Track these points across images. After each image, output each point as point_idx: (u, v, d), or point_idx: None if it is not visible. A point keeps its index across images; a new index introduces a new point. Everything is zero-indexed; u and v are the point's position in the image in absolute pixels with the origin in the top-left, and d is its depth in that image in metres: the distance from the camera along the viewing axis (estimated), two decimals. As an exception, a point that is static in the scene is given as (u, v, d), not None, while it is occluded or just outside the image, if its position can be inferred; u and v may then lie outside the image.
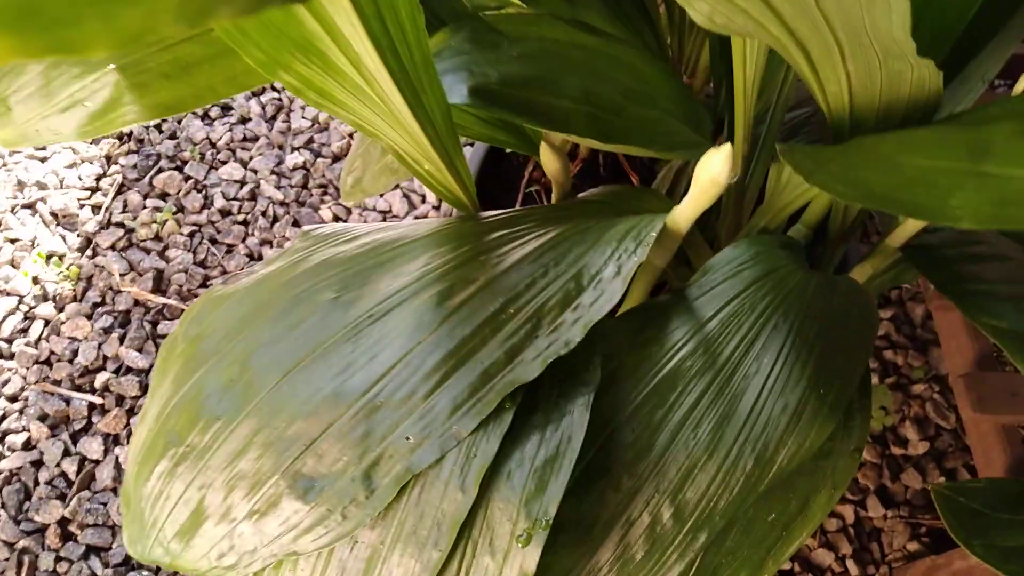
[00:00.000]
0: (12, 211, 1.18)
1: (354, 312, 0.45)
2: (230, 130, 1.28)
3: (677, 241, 0.51)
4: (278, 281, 0.48)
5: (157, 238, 1.17)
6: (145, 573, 0.93)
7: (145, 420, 0.49)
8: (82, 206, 1.20)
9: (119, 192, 1.21)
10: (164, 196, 1.21)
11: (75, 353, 1.07)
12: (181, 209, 1.20)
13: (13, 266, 1.14)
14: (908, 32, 0.32)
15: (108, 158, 1.25)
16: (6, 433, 1.01)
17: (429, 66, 0.40)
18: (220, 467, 0.44)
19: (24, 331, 1.09)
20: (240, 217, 1.20)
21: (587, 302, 0.44)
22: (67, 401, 1.03)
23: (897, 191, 0.25)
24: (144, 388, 1.03)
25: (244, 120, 1.30)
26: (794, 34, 0.37)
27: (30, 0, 0.14)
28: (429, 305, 0.44)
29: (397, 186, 1.23)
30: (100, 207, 1.20)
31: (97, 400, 1.03)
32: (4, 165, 1.23)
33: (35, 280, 1.13)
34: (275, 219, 1.20)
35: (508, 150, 0.84)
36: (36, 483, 0.98)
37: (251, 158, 1.25)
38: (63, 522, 0.95)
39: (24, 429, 1.01)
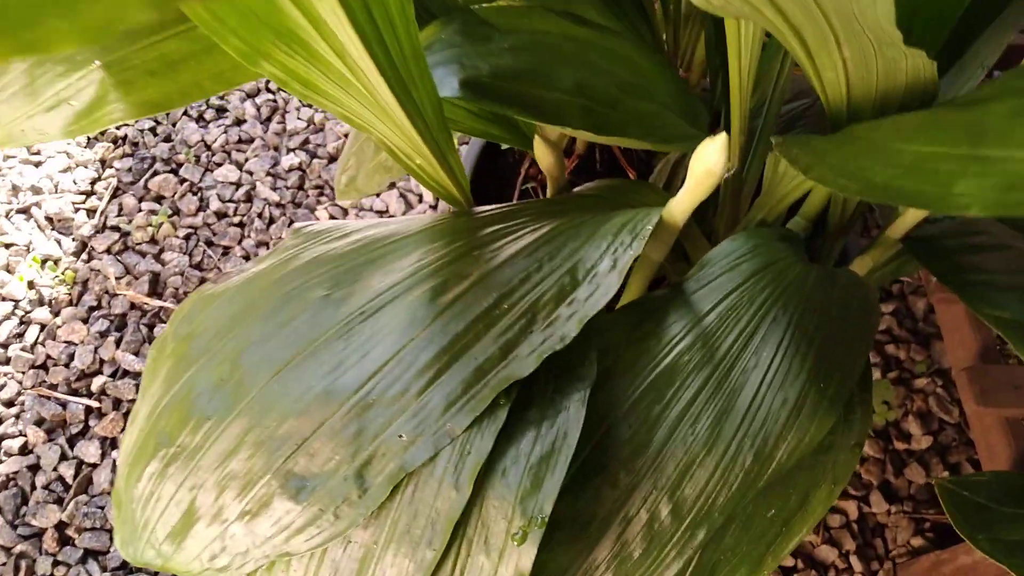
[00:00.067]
0: (7, 216, 1.18)
1: (346, 309, 0.44)
2: (225, 132, 1.27)
3: (674, 234, 0.50)
4: (269, 279, 0.47)
5: (153, 241, 1.17)
6: (143, 577, 0.93)
7: (136, 421, 0.49)
8: (77, 210, 1.19)
9: (114, 196, 1.21)
10: (159, 199, 1.21)
11: (71, 357, 1.06)
12: (176, 212, 1.20)
13: (8, 271, 1.13)
14: (893, 21, 0.32)
15: (103, 162, 1.24)
16: (2, 438, 1.00)
17: (419, 58, 0.39)
18: (211, 467, 0.43)
19: (20, 336, 1.08)
20: (236, 219, 1.19)
21: (582, 297, 0.43)
22: (64, 405, 1.03)
23: (898, 181, 0.24)
24: (141, 391, 1.02)
25: (239, 122, 1.29)
26: (788, 18, 0.36)
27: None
28: (422, 301, 0.44)
29: (393, 185, 1.22)
30: (95, 211, 1.19)
31: (94, 404, 1.03)
32: (-1, 169, 1.23)
33: (31, 285, 1.12)
34: (271, 220, 1.19)
35: (504, 146, 0.83)
36: (33, 487, 0.97)
37: (246, 160, 1.25)
38: (60, 526, 0.95)
39: (21, 434, 1.00)
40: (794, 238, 0.55)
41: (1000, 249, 0.54)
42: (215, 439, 0.43)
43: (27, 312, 1.10)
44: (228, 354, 0.45)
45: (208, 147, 1.26)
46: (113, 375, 1.05)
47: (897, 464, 1.01)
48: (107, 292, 1.12)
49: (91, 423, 1.02)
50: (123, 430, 1.01)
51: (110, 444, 1.01)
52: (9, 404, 1.03)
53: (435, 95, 0.42)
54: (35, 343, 1.07)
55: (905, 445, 1.02)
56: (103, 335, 1.08)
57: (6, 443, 0.99)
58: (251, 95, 1.32)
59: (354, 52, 0.35)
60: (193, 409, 0.44)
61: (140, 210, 1.19)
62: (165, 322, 1.10)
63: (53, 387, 1.04)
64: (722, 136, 0.40)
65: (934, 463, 1.01)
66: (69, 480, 0.98)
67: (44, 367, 1.06)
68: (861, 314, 0.50)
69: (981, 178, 0.22)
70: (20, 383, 1.04)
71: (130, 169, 1.23)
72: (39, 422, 1.01)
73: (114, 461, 0.99)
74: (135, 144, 1.26)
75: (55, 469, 0.98)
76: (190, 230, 1.18)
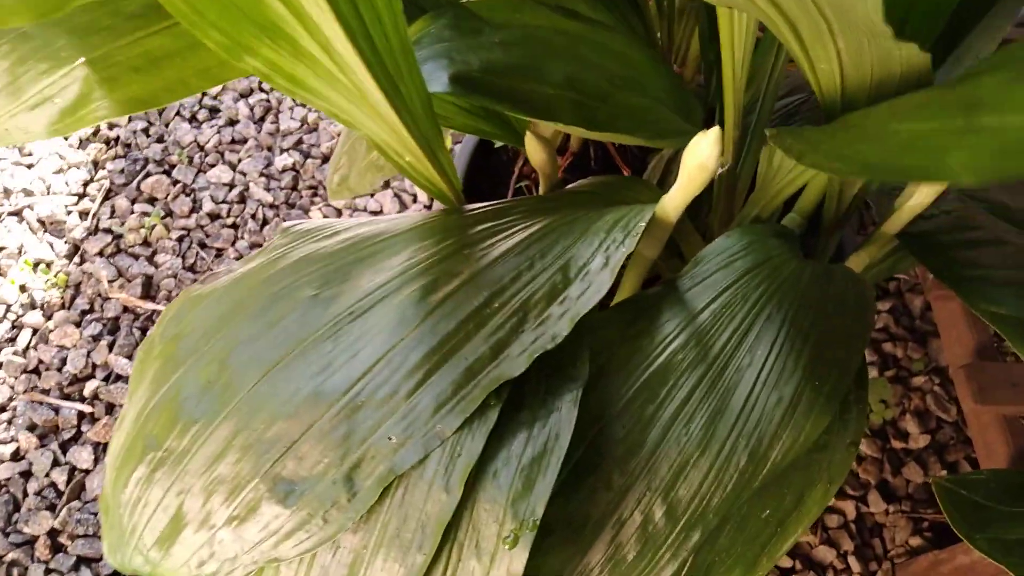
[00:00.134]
0: (-1, 218, 1.17)
1: (334, 309, 0.43)
2: (218, 132, 1.26)
3: (667, 231, 0.50)
4: (257, 279, 0.46)
5: (145, 243, 1.16)
6: (136, 582, 0.92)
7: (123, 424, 0.48)
8: (69, 212, 1.18)
9: (107, 198, 1.20)
10: (152, 201, 1.20)
11: (64, 361, 1.06)
12: (169, 213, 1.19)
13: (0, 274, 1.12)
14: (881, 16, 0.31)
15: (95, 163, 1.23)
16: (-6, 443, 0.99)
17: (407, 52, 0.39)
18: (199, 472, 0.42)
19: (12, 340, 1.07)
20: (229, 220, 1.19)
21: (574, 295, 0.43)
22: (56, 410, 1.02)
23: (892, 157, 0.24)
24: (133, 395, 1.01)
25: (232, 122, 1.28)
26: (782, 9, 0.35)
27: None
28: (411, 300, 0.43)
29: (388, 186, 1.22)
30: (87, 213, 1.18)
31: (87, 409, 1.02)
32: (-10, 172, 1.22)
33: (22, 288, 1.11)
34: (265, 222, 1.19)
35: (497, 144, 0.83)
36: (25, 494, 0.96)
37: (240, 160, 1.24)
38: (53, 533, 0.94)
39: (12, 440, 1.00)
40: (789, 235, 0.54)
41: (997, 244, 0.53)
42: (203, 443, 0.42)
43: (19, 316, 1.09)
44: (216, 355, 0.44)
45: (201, 148, 1.25)
46: (106, 379, 1.05)
47: (895, 463, 1.01)
48: (100, 295, 1.11)
49: (84, 428, 1.01)
50: (116, 434, 1.00)
51: (103, 449, 1.00)
52: (1, 410, 1.02)
53: (424, 90, 0.42)
54: (27, 347, 1.07)
55: (903, 444, 1.02)
56: (96, 339, 1.07)
57: (-2, 448, 0.99)
58: (244, 95, 1.31)
59: (339, 46, 0.34)
60: (180, 412, 0.44)
61: (133, 212, 1.18)
62: (158, 325, 1.09)
63: (45, 392, 1.03)
64: (715, 130, 0.39)
65: (932, 462, 1.01)
66: (62, 486, 0.97)
67: (36, 372, 1.05)
68: (857, 311, 0.49)
69: (975, 147, 0.22)
70: (12, 388, 1.03)
71: (123, 171, 1.22)
72: (31, 427, 1.00)
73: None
74: (128, 145, 1.25)
75: (47, 475, 0.97)
76: (183, 232, 1.17)
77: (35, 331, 1.08)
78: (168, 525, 0.43)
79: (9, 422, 1.01)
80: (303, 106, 1.30)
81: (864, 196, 0.59)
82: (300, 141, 1.26)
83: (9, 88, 0.45)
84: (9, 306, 1.10)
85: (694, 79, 0.80)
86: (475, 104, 0.53)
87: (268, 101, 1.30)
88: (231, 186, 1.22)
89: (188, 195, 1.21)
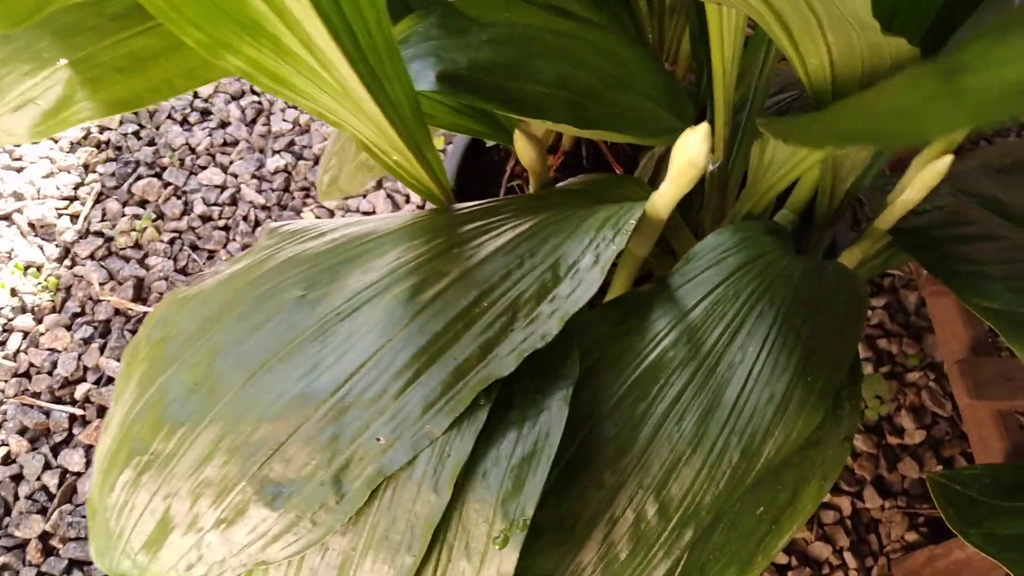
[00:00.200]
0: (-11, 222, 1.16)
1: (321, 310, 0.43)
2: (209, 135, 1.26)
3: (658, 228, 0.49)
4: (243, 280, 0.46)
5: (137, 246, 1.15)
6: (130, 587, 0.91)
7: (109, 427, 0.47)
8: (60, 216, 1.18)
9: (97, 201, 1.19)
10: (143, 203, 1.19)
11: (54, 365, 1.05)
12: (161, 216, 1.18)
13: (-10, 278, 1.12)
14: (869, 10, 0.31)
15: (86, 166, 1.23)
16: (-15, 448, 0.99)
17: (392, 50, 0.38)
18: (185, 475, 0.42)
19: (2, 344, 1.06)
20: (221, 222, 1.18)
21: (564, 293, 0.43)
22: (47, 413, 1.01)
23: (876, 124, 0.24)
24: (126, 398, 1.01)
25: (223, 124, 1.28)
26: (771, 4, 0.35)
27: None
28: (400, 300, 0.43)
29: (380, 186, 1.21)
30: (78, 216, 1.18)
31: (78, 412, 1.01)
32: (-20, 176, 1.21)
33: (13, 292, 1.10)
34: (257, 223, 1.18)
35: (489, 144, 0.82)
36: (16, 498, 0.96)
37: (231, 162, 1.23)
38: (44, 536, 0.93)
39: (3, 443, 0.99)
40: (781, 231, 0.54)
41: (990, 239, 0.53)
42: (189, 445, 0.42)
43: (9, 320, 1.08)
44: (202, 358, 0.44)
45: (192, 150, 1.25)
46: (97, 382, 1.04)
47: (890, 459, 1.00)
48: (91, 298, 1.10)
49: (75, 431, 1.00)
50: (108, 438, 1.00)
51: (95, 452, 0.99)
52: (-9, 413, 1.01)
53: (410, 88, 0.41)
54: (17, 351, 1.06)
55: (898, 440, 1.02)
56: (87, 342, 1.07)
57: (-11, 453, 0.98)
58: (236, 97, 1.31)
59: (322, 43, 0.34)
60: (166, 415, 0.43)
61: (124, 215, 1.18)
62: (150, 327, 1.08)
63: (36, 395, 1.02)
64: (703, 126, 0.39)
65: (927, 457, 1.00)
66: (53, 489, 0.96)
67: (27, 375, 1.04)
68: (849, 306, 0.49)
69: (954, 107, 0.22)
70: (2, 392, 1.03)
71: (113, 173, 1.22)
72: (22, 431, 1.00)
73: (99, 469, 0.98)
74: (118, 148, 1.25)
75: (39, 478, 0.97)
76: (175, 234, 1.17)
77: (25, 334, 1.07)
78: (155, 529, 0.42)
79: None
80: (295, 108, 1.30)
81: (856, 192, 0.59)
82: (292, 143, 1.26)
83: (-9, 89, 0.45)
84: None
85: (686, 77, 0.80)
86: (463, 103, 0.53)
87: (260, 103, 1.30)
88: (223, 188, 1.21)
89: (179, 197, 1.20)
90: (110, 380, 1.04)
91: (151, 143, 1.25)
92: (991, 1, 0.49)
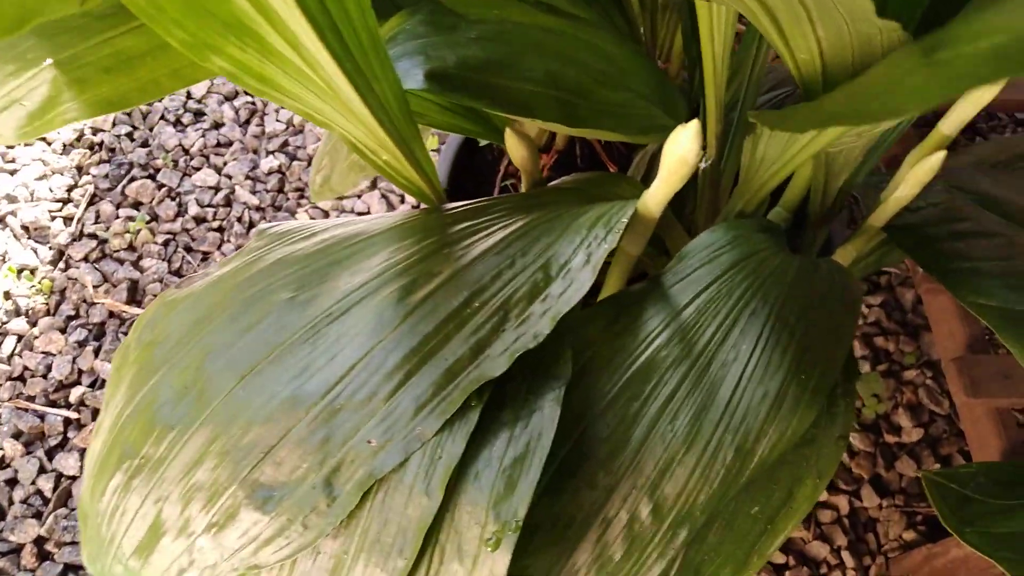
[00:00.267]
0: (-18, 225, 1.16)
1: (311, 311, 0.43)
2: (203, 136, 1.25)
3: (650, 227, 0.49)
4: (232, 282, 0.46)
5: (131, 248, 1.15)
6: (125, 591, 0.91)
7: (100, 432, 0.47)
8: (53, 218, 1.17)
9: (91, 203, 1.19)
10: (137, 205, 1.19)
11: (49, 368, 1.04)
12: (155, 218, 1.18)
13: (-16, 281, 1.11)
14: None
15: (79, 168, 1.22)
16: (-21, 452, 0.98)
17: (379, 48, 0.38)
18: (176, 479, 0.41)
19: (-4, 347, 1.06)
20: (215, 224, 1.17)
21: (556, 293, 0.42)
22: (42, 417, 1.01)
23: (860, 104, 0.24)
24: (120, 401, 1.00)
25: (217, 125, 1.27)
26: None
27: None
28: (390, 301, 0.42)
29: (375, 187, 1.21)
30: (72, 218, 1.17)
31: (72, 415, 1.01)
32: (-27, 179, 1.21)
33: (6, 295, 1.10)
34: (251, 224, 1.18)
35: (482, 143, 0.82)
36: (11, 502, 0.95)
37: (225, 163, 1.23)
38: (39, 541, 0.93)
39: (-2, 448, 0.99)
40: (775, 229, 0.54)
41: (985, 236, 0.53)
42: (179, 449, 0.42)
43: (3, 323, 1.08)
44: (191, 361, 0.43)
45: (186, 151, 1.24)
46: (92, 385, 1.04)
47: (888, 457, 1.00)
48: (85, 301, 1.10)
49: (70, 434, 1.00)
50: (103, 441, 0.99)
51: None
52: (-15, 417, 1.01)
53: (398, 87, 0.41)
54: (12, 354, 1.05)
55: (896, 438, 1.02)
56: (81, 345, 1.06)
57: (-17, 457, 0.98)
58: (229, 98, 1.30)
59: (308, 42, 0.33)
60: (157, 419, 0.43)
61: (118, 217, 1.17)
62: (144, 330, 1.08)
63: (31, 399, 1.02)
64: (694, 123, 0.38)
65: (925, 456, 1.00)
66: (48, 493, 0.96)
67: (21, 378, 1.04)
68: (844, 304, 0.49)
69: (928, 78, 0.22)
70: (-4, 396, 1.02)
71: (107, 175, 1.21)
72: (16, 435, 0.99)
73: (94, 473, 0.97)
74: (112, 150, 1.24)
75: (33, 483, 0.96)
76: (169, 236, 1.16)
77: (20, 338, 1.07)
78: (147, 533, 0.42)
79: (-6, 431, 1.00)
80: (289, 108, 1.29)
81: (850, 190, 0.58)
82: (286, 143, 1.26)
83: (-24, 91, 0.44)
84: (-7, 314, 1.09)
85: (679, 75, 0.79)
86: (453, 101, 0.53)
87: (253, 104, 1.29)
88: (217, 189, 1.21)
89: (173, 199, 1.19)
90: (105, 383, 1.04)
91: (144, 144, 1.25)
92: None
